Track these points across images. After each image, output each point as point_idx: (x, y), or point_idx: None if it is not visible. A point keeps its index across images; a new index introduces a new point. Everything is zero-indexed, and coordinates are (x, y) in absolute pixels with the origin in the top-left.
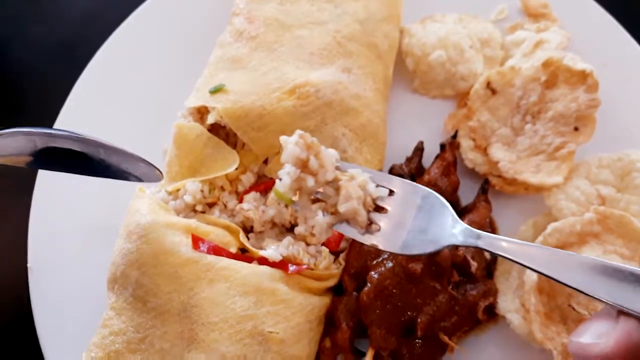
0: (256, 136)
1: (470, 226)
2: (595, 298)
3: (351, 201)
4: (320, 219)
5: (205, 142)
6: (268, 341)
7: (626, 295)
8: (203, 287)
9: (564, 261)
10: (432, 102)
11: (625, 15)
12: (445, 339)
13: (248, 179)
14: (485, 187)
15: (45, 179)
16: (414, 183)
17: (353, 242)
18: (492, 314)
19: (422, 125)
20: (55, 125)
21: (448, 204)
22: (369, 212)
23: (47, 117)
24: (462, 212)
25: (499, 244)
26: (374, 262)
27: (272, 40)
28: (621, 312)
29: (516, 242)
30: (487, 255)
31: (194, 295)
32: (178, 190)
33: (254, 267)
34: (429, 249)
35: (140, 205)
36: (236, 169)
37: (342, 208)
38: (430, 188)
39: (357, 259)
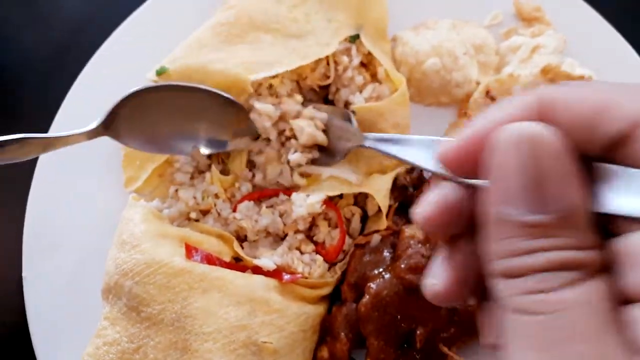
0: None
1: None
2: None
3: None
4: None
5: None
6: (262, 351)
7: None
8: (196, 297)
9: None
10: (428, 110)
11: (617, 18)
12: (445, 350)
13: (247, 188)
14: None
15: (40, 187)
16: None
17: (353, 253)
18: None
19: (419, 134)
20: (52, 128)
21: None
22: None
23: (42, 119)
24: None
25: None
26: (373, 272)
27: (235, 33)
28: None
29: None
30: None
31: (188, 305)
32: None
33: (247, 276)
34: None
35: (133, 214)
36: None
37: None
38: None
39: (356, 269)
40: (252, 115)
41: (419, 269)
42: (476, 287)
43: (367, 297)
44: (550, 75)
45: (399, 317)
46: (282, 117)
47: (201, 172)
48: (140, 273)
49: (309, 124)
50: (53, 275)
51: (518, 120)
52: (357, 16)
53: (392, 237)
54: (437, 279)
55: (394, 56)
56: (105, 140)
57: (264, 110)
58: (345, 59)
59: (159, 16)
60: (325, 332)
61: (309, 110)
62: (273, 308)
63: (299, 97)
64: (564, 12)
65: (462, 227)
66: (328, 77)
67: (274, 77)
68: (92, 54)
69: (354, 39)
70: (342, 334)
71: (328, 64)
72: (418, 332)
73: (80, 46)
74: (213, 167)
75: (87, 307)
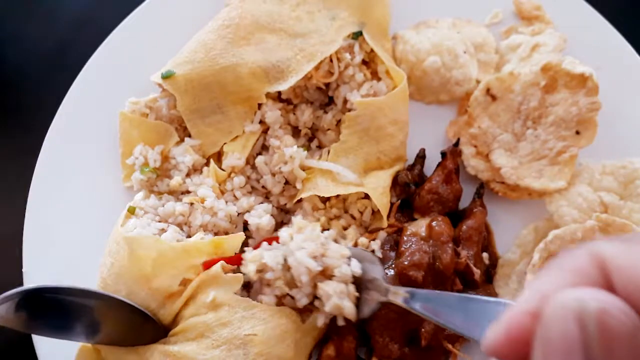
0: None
1: (468, 232)
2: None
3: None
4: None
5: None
6: (247, 344)
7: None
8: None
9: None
10: (429, 108)
11: (617, 17)
12: (450, 347)
13: (240, 182)
14: (480, 191)
15: (40, 182)
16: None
17: None
18: None
19: (420, 131)
20: (53, 125)
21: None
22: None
23: (43, 118)
24: (460, 218)
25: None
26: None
27: (241, 36)
28: None
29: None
30: (486, 259)
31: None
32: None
33: (215, 278)
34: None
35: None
36: (223, 169)
37: (327, 307)
38: (432, 196)
39: None
40: (291, 261)
41: (422, 266)
42: None
43: None
44: (551, 73)
45: (403, 314)
46: (324, 272)
47: (196, 169)
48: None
49: (337, 292)
50: (53, 270)
51: (572, 286)
52: (360, 14)
53: (395, 235)
54: None
55: (395, 54)
56: (103, 137)
57: (305, 262)
58: (347, 56)
59: (159, 13)
60: (331, 330)
61: (345, 270)
62: (252, 303)
63: (345, 250)
64: (564, 11)
65: None
66: (332, 74)
67: None
68: (94, 50)
69: (357, 35)
70: (349, 332)
71: (331, 60)
72: (423, 330)
73: (81, 43)
74: (212, 162)
75: None
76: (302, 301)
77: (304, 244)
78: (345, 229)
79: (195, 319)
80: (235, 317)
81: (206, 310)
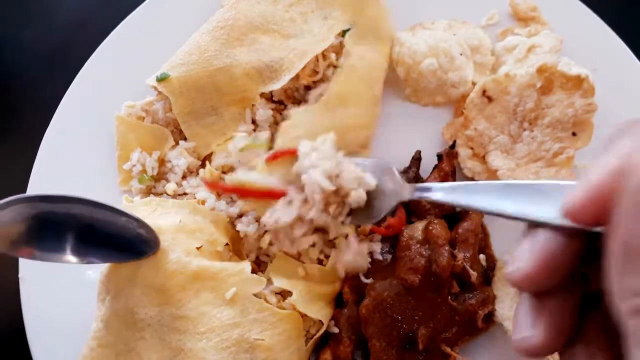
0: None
1: (464, 234)
2: (501, 215)
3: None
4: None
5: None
6: (254, 348)
7: (529, 206)
8: (190, 298)
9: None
10: (425, 110)
11: (613, 17)
12: (448, 350)
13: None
14: None
15: (37, 187)
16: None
17: None
18: (490, 321)
19: (416, 133)
20: (50, 128)
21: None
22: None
23: (40, 119)
24: (457, 220)
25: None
26: (374, 273)
27: (235, 37)
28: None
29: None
30: (483, 261)
31: (182, 307)
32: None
33: (240, 273)
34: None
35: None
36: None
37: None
38: None
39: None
40: (304, 178)
41: (418, 270)
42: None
43: (368, 298)
44: (547, 74)
45: (400, 318)
46: (337, 192)
47: (191, 172)
48: (135, 276)
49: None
50: (50, 275)
51: None
52: (352, 13)
53: (392, 238)
54: (535, 329)
55: (391, 56)
56: (100, 141)
57: (319, 181)
58: (333, 55)
59: (157, 15)
60: (327, 335)
61: (360, 194)
62: (265, 305)
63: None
64: (560, 12)
65: (560, 279)
66: (317, 73)
67: None
68: (91, 52)
69: (346, 32)
70: (345, 336)
71: (317, 60)
72: (420, 332)
73: (79, 44)
74: (208, 164)
75: (84, 307)
76: (319, 217)
77: (319, 162)
78: None
79: (209, 310)
80: (247, 318)
81: (221, 303)
